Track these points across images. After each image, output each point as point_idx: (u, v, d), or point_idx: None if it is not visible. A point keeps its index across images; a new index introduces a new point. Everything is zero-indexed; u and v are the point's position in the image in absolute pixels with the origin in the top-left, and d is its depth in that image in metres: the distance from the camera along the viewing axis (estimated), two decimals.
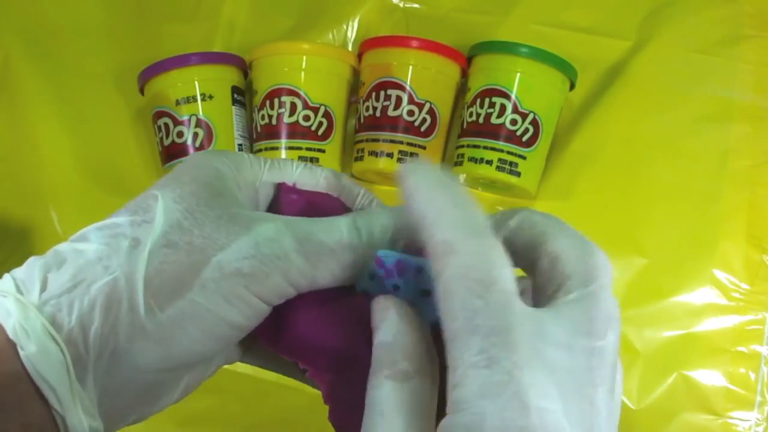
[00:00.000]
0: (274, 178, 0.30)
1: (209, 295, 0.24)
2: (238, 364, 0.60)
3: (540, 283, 0.23)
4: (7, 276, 0.24)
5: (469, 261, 0.21)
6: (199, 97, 0.56)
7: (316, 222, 0.26)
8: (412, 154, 0.55)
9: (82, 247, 0.25)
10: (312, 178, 0.30)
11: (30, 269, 0.24)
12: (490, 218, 0.24)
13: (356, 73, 0.59)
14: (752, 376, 0.54)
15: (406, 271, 0.25)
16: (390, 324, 0.24)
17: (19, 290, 0.24)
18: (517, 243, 0.24)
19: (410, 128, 0.55)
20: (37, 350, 0.22)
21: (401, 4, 0.63)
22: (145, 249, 0.24)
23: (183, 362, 0.25)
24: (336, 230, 0.26)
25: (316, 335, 0.27)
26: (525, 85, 0.54)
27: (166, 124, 0.56)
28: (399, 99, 0.55)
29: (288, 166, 0.30)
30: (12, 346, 0.23)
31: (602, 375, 0.21)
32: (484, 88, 0.55)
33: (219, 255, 0.24)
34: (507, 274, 0.21)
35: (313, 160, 0.57)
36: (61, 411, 0.23)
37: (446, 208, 0.22)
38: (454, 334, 0.20)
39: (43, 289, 0.24)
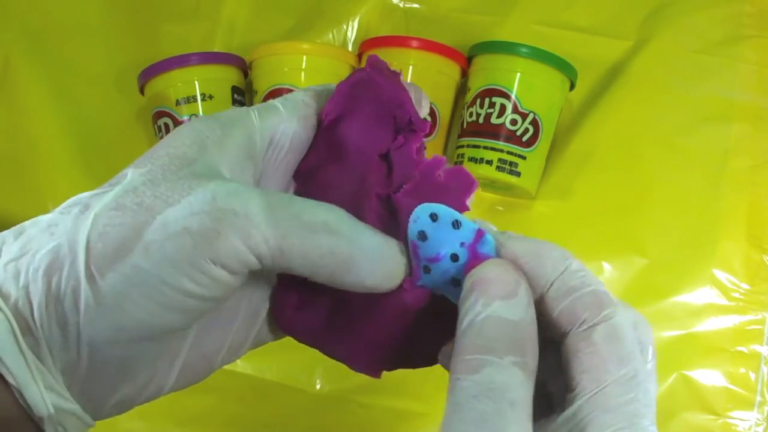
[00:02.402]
0: (270, 124, 0.27)
1: (153, 259, 0.22)
2: (238, 363, 0.60)
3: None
4: None
5: (635, 316, 0.23)
6: (199, 97, 0.56)
7: (309, 201, 0.24)
8: None
9: (41, 217, 0.23)
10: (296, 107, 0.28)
11: None
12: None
13: None
14: (752, 376, 0.54)
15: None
16: (521, 302, 0.22)
17: None
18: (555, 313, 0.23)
19: None
20: None
21: (401, 4, 0.63)
22: (91, 212, 0.22)
23: (142, 334, 0.23)
24: (322, 209, 0.23)
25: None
26: (525, 85, 0.54)
27: (166, 124, 0.56)
28: None
29: (273, 107, 0.27)
30: None
31: None
32: (484, 88, 0.55)
33: (166, 212, 0.22)
34: None
35: None
36: (16, 384, 0.21)
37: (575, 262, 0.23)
38: (618, 378, 0.21)
39: None
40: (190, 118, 0.56)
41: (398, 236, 0.25)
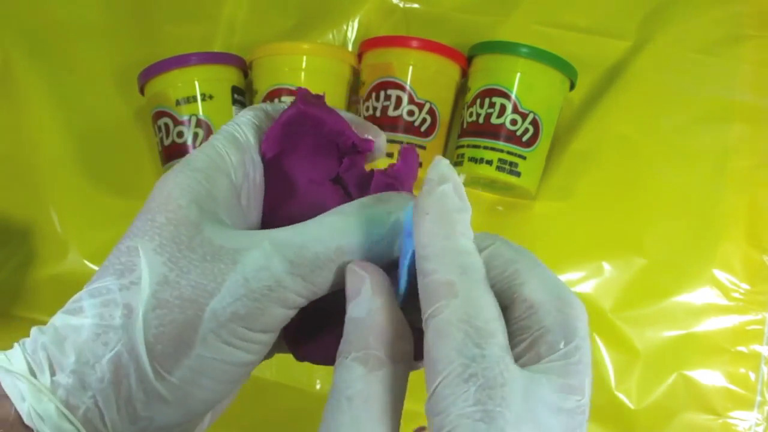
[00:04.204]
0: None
1: (212, 347, 0.24)
2: None
3: (514, 329, 0.22)
4: (18, 353, 0.24)
5: (470, 308, 0.21)
6: (199, 97, 0.56)
7: (305, 229, 0.25)
8: None
9: (77, 322, 0.24)
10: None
11: (34, 345, 0.24)
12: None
13: (356, 73, 0.59)
14: (752, 376, 0.54)
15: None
16: (364, 298, 0.23)
17: (32, 372, 0.23)
18: (489, 279, 0.23)
19: (410, 128, 0.55)
20: None
21: (401, 4, 0.63)
22: (138, 317, 0.24)
23: (203, 411, 0.25)
24: (328, 235, 0.24)
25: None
26: (525, 85, 0.54)
27: (166, 124, 0.56)
28: (399, 99, 0.55)
29: (234, 140, 0.28)
30: (28, 430, 0.23)
31: (583, 429, 0.21)
32: (484, 88, 0.55)
33: (211, 303, 0.24)
34: (502, 329, 0.21)
35: None
36: None
37: (451, 247, 0.21)
38: (446, 377, 0.20)
39: (52, 372, 0.23)
40: (189, 119, 0.56)
41: None
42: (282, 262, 0.24)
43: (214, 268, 0.24)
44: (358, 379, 0.21)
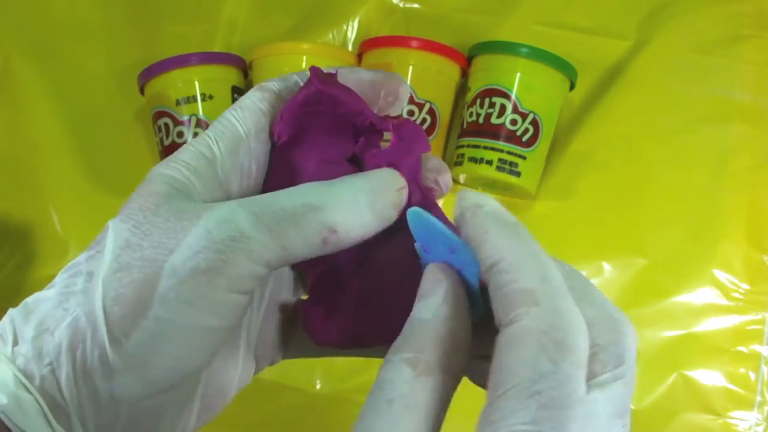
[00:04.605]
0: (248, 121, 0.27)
1: (171, 307, 0.22)
2: None
3: None
4: None
5: (551, 317, 0.19)
6: (199, 97, 0.56)
7: (281, 191, 0.24)
8: None
9: (45, 294, 0.24)
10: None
11: (4, 322, 0.24)
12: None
13: None
14: (752, 376, 0.54)
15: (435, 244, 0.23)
16: (434, 301, 0.22)
17: None
18: None
19: None
20: (8, 402, 0.22)
21: (401, 4, 0.63)
22: (98, 280, 0.23)
23: (170, 383, 0.23)
24: (300, 193, 0.23)
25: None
26: (525, 85, 0.54)
27: (166, 124, 0.56)
28: None
29: (233, 130, 0.27)
30: None
31: None
32: (484, 88, 0.55)
33: (170, 259, 0.22)
34: (584, 342, 0.19)
35: None
36: None
37: (527, 256, 0.20)
38: (509, 389, 0.19)
39: (15, 341, 0.23)
40: (189, 119, 0.56)
41: None
42: (248, 215, 0.23)
43: (177, 226, 0.23)
44: (403, 381, 0.20)
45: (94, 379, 0.22)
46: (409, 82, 0.55)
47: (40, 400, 0.22)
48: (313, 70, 0.27)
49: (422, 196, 0.28)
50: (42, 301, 0.24)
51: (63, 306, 0.23)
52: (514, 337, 0.19)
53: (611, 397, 0.20)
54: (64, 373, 0.22)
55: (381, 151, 0.27)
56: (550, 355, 0.19)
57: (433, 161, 0.29)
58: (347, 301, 0.27)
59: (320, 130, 0.28)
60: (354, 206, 0.24)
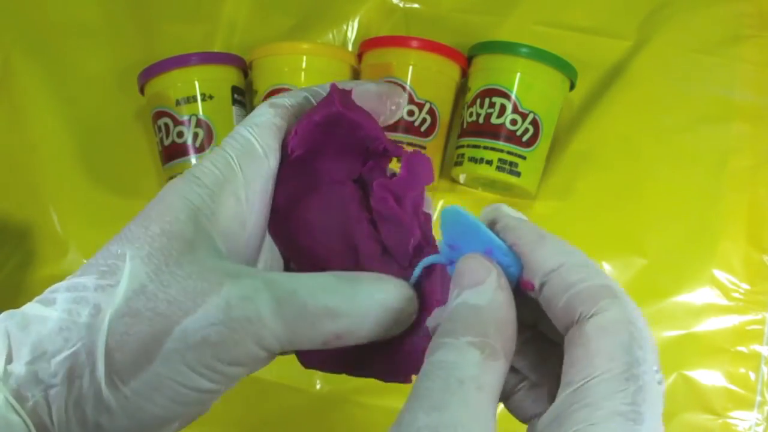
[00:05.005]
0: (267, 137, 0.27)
1: (173, 367, 0.23)
2: None
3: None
4: None
5: (629, 312, 0.21)
6: (199, 97, 0.56)
7: (301, 278, 0.24)
8: None
9: (46, 312, 0.24)
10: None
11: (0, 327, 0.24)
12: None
13: (356, 73, 0.59)
14: (752, 376, 0.54)
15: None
16: (489, 287, 0.22)
17: None
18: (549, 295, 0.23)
19: (410, 128, 0.55)
20: None
21: (401, 4, 0.63)
22: (104, 320, 0.23)
23: (156, 427, 0.24)
24: (325, 291, 0.24)
25: None
26: (525, 85, 0.54)
27: (166, 124, 0.56)
28: None
29: (249, 146, 0.27)
30: None
31: None
32: (484, 88, 0.55)
33: (184, 322, 0.23)
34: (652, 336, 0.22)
35: None
36: None
37: (584, 260, 0.22)
38: (605, 372, 0.20)
39: (9, 359, 0.23)
40: (189, 119, 0.56)
41: (396, 250, 0.27)
42: (269, 299, 0.23)
43: (197, 287, 0.23)
44: (473, 364, 0.20)
45: (86, 410, 0.23)
46: (409, 82, 0.55)
47: (30, 423, 0.22)
48: (335, 89, 0.28)
49: (421, 230, 0.28)
50: (41, 320, 0.24)
51: (64, 335, 0.23)
52: (604, 326, 0.21)
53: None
54: (56, 402, 0.23)
55: (389, 182, 0.28)
56: (639, 343, 0.21)
57: (381, 86, 0.30)
58: None
59: (333, 149, 0.29)
60: (365, 319, 0.25)
